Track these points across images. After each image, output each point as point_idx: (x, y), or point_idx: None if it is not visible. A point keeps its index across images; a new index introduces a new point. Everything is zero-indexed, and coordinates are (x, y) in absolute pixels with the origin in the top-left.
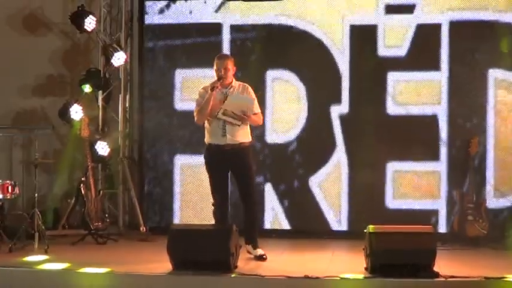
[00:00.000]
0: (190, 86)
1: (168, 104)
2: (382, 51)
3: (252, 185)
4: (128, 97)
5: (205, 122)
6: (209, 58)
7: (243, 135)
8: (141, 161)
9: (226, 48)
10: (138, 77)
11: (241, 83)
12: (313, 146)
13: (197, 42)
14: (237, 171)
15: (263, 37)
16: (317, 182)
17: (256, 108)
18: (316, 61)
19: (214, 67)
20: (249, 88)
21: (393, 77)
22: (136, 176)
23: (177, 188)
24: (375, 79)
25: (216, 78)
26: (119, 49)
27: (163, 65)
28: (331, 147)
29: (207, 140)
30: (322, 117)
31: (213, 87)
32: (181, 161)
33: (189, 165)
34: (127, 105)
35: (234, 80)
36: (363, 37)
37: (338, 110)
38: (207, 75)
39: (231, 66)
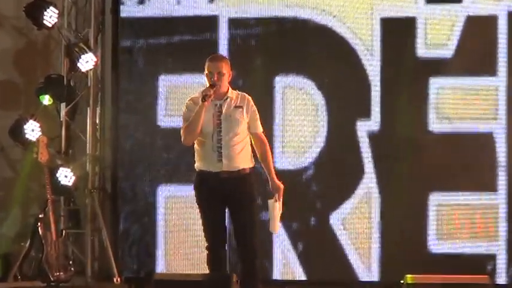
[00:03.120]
0: (177, 97)
1: (149, 119)
2: (423, 51)
3: (254, 225)
4: (98, 111)
5: (195, 143)
6: (202, 61)
7: (244, 160)
8: (115, 192)
9: (223, 48)
10: (111, 85)
11: (240, 92)
12: (334, 172)
13: (187, 41)
14: (234, 206)
15: (271, 34)
16: (340, 219)
17: (259, 126)
18: (338, 64)
19: (206, 71)
20: (250, 99)
21: (437, 84)
22: (109, 211)
23: (160, 227)
24: (414, 87)
25: (207, 85)
26: (87, 50)
27: (144, 70)
28: (358, 174)
29: (197, 165)
30: (347, 135)
31: (205, 97)
32: (166, 192)
33: (176, 198)
34: (97, 121)
35: (230, 88)
36: (398, 33)
37: (366, 127)
38: (199, 83)
39: (226, 70)
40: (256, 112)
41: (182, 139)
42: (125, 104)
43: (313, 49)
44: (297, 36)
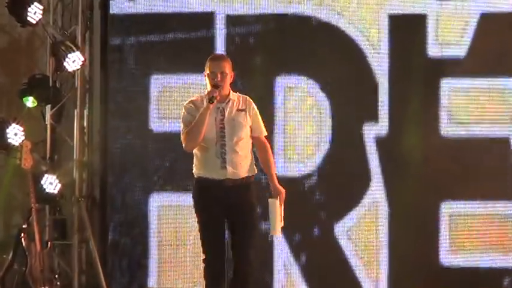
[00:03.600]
0: (171, 98)
1: (141, 122)
2: (434, 50)
3: (252, 236)
4: (86, 113)
5: (195, 148)
6: (197, 60)
7: (248, 167)
8: (104, 200)
9: (220, 47)
10: (100, 85)
11: (241, 95)
12: (339, 180)
13: (181, 39)
14: (235, 215)
15: (271, 31)
16: (345, 230)
17: (263, 129)
18: (343, 64)
19: (207, 71)
20: (251, 102)
21: (449, 86)
22: (98, 221)
23: (153, 238)
24: (424, 88)
25: (208, 86)
26: (74, 48)
27: (135, 70)
28: (365, 181)
29: (197, 172)
30: (352, 140)
31: (212, 98)
32: (159, 200)
33: (170, 207)
34: (85, 124)
35: (231, 90)
36: (408, 31)
37: (374, 131)
38: (194, 83)
39: (229, 70)
40: (259, 115)
41: (184, 145)
42: (114, 106)
43: (316, 48)
44: (299, 34)
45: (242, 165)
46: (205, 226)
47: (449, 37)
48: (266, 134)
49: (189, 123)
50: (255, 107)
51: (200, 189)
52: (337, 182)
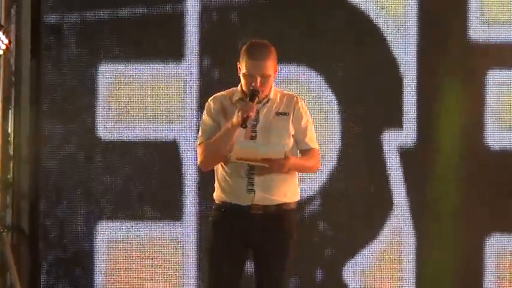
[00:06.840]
0: (125, 95)
1: (85, 127)
2: (478, 31)
3: (284, 284)
4: (11, 115)
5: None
6: (160, 44)
7: (286, 190)
8: (35, 233)
9: (192, 26)
10: (30, 78)
11: (286, 92)
12: (350, 205)
13: (139, 15)
14: (262, 256)
15: (260, 6)
16: (358, 273)
17: (313, 142)
18: (357, 51)
19: (242, 69)
20: (300, 101)
21: (498, 79)
22: (27, 260)
23: (100, 283)
24: (465, 83)
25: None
26: None
27: (78, 57)
28: (385, 206)
29: (218, 196)
30: (368, 151)
31: (245, 120)
32: (109, 232)
33: (124, 241)
34: (10, 130)
35: (273, 87)
36: (443, 7)
37: (397, 140)
38: (158, 74)
39: (272, 68)
40: (308, 120)
41: (199, 161)
42: (50, 105)
43: (320, 29)
44: (297, 10)
45: (277, 189)
46: (218, 267)
47: (498, 14)
48: (318, 147)
49: (210, 132)
50: (305, 110)
51: (219, 218)
52: (347, 208)
